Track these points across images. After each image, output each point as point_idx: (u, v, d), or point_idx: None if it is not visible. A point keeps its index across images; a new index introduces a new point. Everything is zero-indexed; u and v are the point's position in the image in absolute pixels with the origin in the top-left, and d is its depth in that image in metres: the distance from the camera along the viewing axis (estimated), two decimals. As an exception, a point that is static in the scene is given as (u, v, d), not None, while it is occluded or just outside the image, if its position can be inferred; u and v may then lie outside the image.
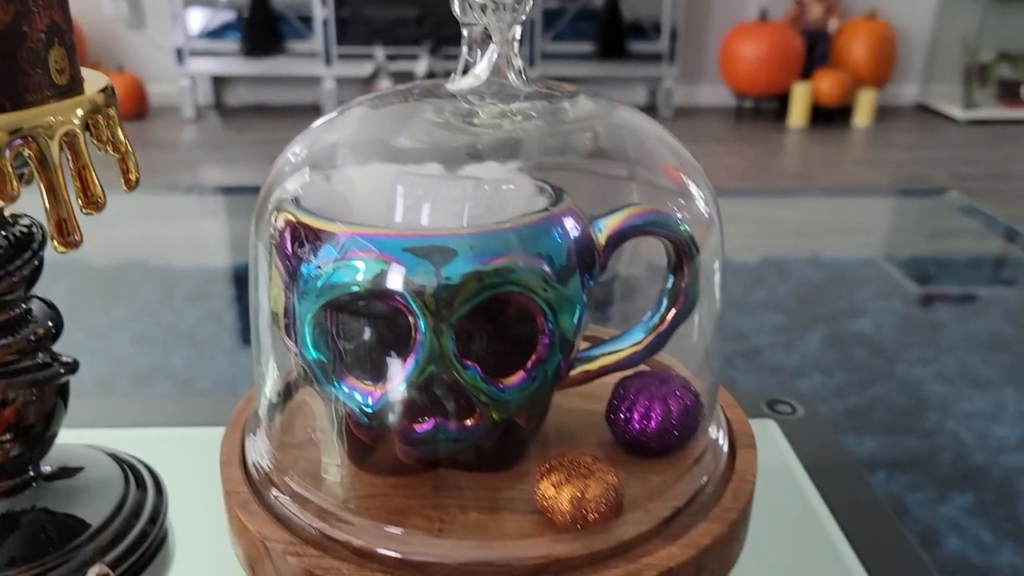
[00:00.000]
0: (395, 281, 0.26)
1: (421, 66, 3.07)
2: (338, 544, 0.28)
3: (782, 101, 3.17)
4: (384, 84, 3.08)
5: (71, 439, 0.39)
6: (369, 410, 0.28)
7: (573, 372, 0.31)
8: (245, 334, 0.96)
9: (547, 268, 0.27)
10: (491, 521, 0.29)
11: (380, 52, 3.11)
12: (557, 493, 0.28)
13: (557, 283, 0.28)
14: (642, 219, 0.30)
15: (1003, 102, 3.24)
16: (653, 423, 0.32)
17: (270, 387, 0.34)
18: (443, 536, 0.28)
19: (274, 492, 0.31)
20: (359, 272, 0.27)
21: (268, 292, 0.31)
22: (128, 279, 1.13)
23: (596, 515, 0.28)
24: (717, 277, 0.34)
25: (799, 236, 1.31)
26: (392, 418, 0.28)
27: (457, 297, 0.26)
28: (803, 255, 1.23)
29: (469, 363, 0.28)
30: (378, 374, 0.29)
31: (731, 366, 0.39)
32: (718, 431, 0.34)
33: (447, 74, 0.33)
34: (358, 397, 0.28)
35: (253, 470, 0.32)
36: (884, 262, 1.16)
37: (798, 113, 3.08)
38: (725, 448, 0.34)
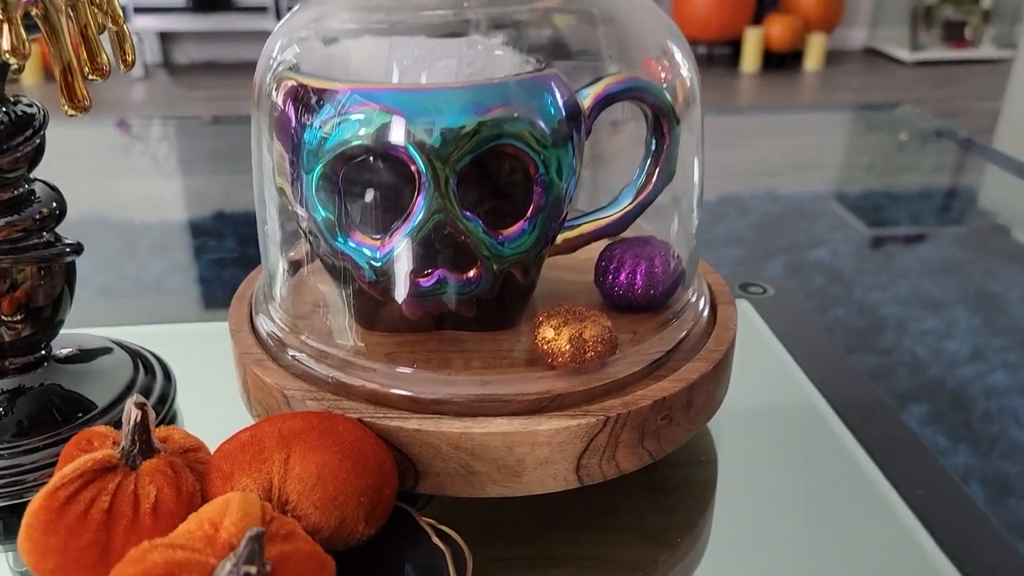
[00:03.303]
0: (398, 132, 0.28)
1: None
2: (354, 389, 0.30)
3: (734, 47, 3.20)
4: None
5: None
6: (377, 264, 0.30)
7: (569, 235, 0.33)
8: (208, 283, 0.96)
9: (539, 122, 0.29)
10: (494, 368, 0.31)
11: (331, 6, 3.05)
12: (557, 335, 0.30)
13: (549, 138, 0.29)
14: (622, 86, 0.32)
15: (948, 43, 3.31)
16: (639, 279, 0.34)
17: (280, 264, 0.35)
18: (452, 377, 0.30)
19: (291, 352, 0.32)
20: (363, 126, 0.28)
21: (272, 169, 0.32)
22: (88, 233, 1.11)
23: (593, 353, 0.30)
24: (696, 146, 0.36)
25: (756, 175, 1.34)
26: (398, 271, 0.30)
27: (457, 146, 0.28)
28: (761, 191, 1.26)
29: (470, 214, 0.29)
30: (384, 228, 0.30)
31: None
32: (699, 295, 0.37)
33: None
34: (366, 252, 0.30)
35: (267, 339, 0.33)
36: (838, 196, 1.20)
37: (750, 58, 3.11)
38: (707, 308, 0.36)
